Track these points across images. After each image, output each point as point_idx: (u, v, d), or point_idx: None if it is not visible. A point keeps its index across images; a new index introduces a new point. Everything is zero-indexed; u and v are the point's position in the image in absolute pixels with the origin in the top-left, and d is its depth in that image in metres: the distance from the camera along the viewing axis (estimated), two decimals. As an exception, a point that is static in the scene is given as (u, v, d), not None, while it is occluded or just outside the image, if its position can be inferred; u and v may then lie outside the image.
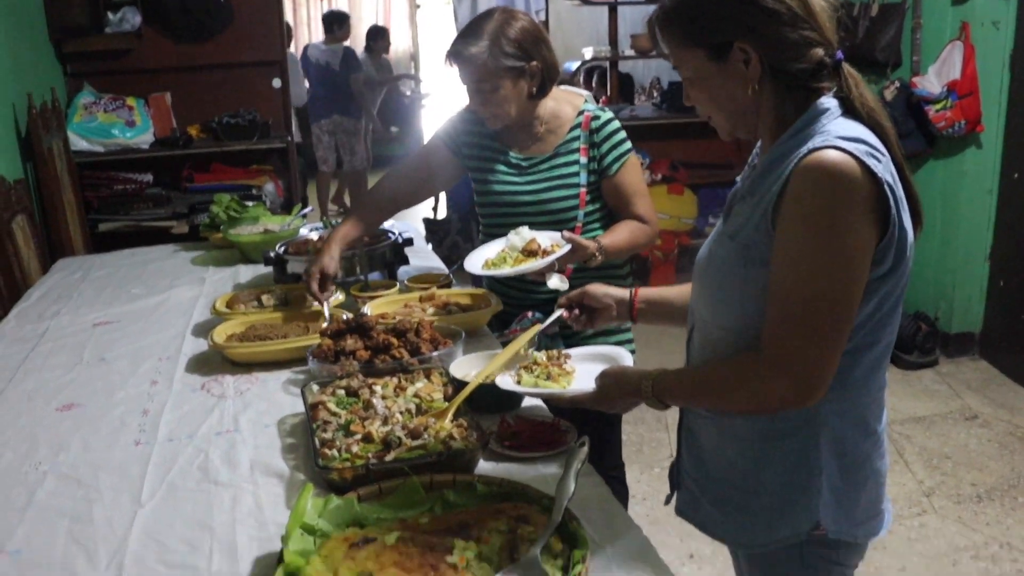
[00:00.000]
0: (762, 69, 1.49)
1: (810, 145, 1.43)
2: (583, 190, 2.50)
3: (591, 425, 2.51)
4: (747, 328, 1.52)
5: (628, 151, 2.53)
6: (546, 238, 2.36)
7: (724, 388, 1.54)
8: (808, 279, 1.41)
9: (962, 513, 3.67)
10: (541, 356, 1.93)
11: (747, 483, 1.64)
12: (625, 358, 1.91)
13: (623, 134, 2.54)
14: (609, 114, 2.56)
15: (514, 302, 2.60)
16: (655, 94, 6.91)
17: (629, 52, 6.42)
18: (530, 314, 2.45)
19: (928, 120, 4.86)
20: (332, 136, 8.82)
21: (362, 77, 8.80)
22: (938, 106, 4.81)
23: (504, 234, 2.45)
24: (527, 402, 2.04)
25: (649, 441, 4.33)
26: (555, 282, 2.33)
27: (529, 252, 2.33)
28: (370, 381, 1.99)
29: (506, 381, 1.88)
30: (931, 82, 4.89)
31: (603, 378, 1.71)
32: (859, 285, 1.43)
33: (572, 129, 2.53)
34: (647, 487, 3.87)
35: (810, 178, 1.40)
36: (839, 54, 1.52)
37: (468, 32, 2.44)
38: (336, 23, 8.82)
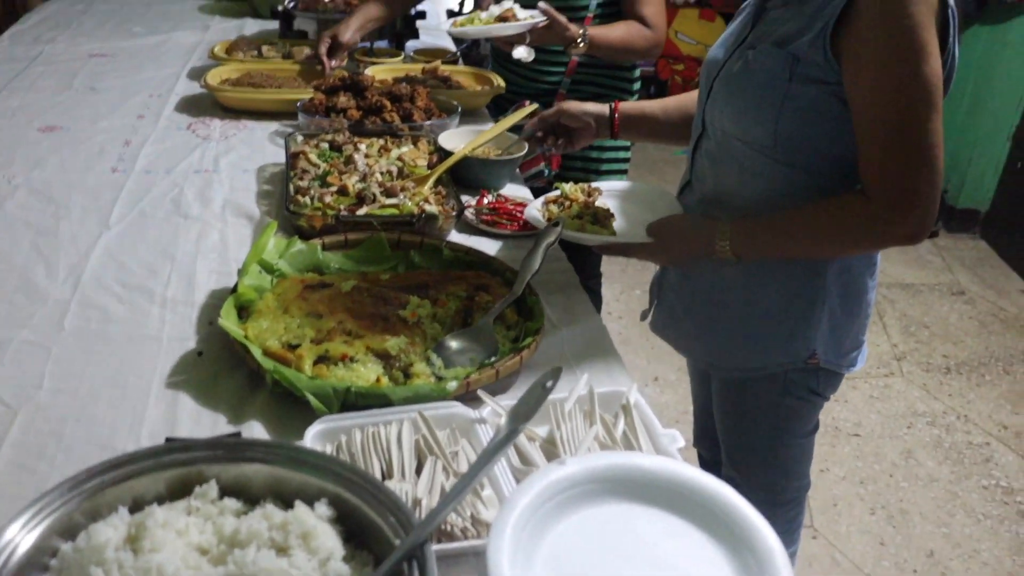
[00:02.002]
0: None
1: None
2: None
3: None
4: (778, 144, 1.43)
5: None
6: (526, 13, 2.21)
7: (833, 234, 1.42)
8: (901, 106, 1.30)
9: (928, 381, 3.70)
10: (572, 188, 1.74)
11: (743, 305, 1.58)
12: (665, 199, 1.73)
13: None
14: None
15: (516, 88, 2.51)
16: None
17: None
18: (527, 102, 2.37)
19: (983, -18, 4.64)
20: None
21: None
22: (996, -32, 4.58)
23: None
24: (509, 184, 2.00)
25: (635, 263, 4.32)
26: (520, 52, 2.21)
27: (502, 19, 2.20)
28: (356, 139, 1.94)
29: (533, 214, 1.67)
30: (994, -60, 4.64)
31: (663, 229, 1.55)
32: (941, 105, 1.32)
33: None
34: (624, 306, 3.88)
35: None
36: None
37: None
38: None
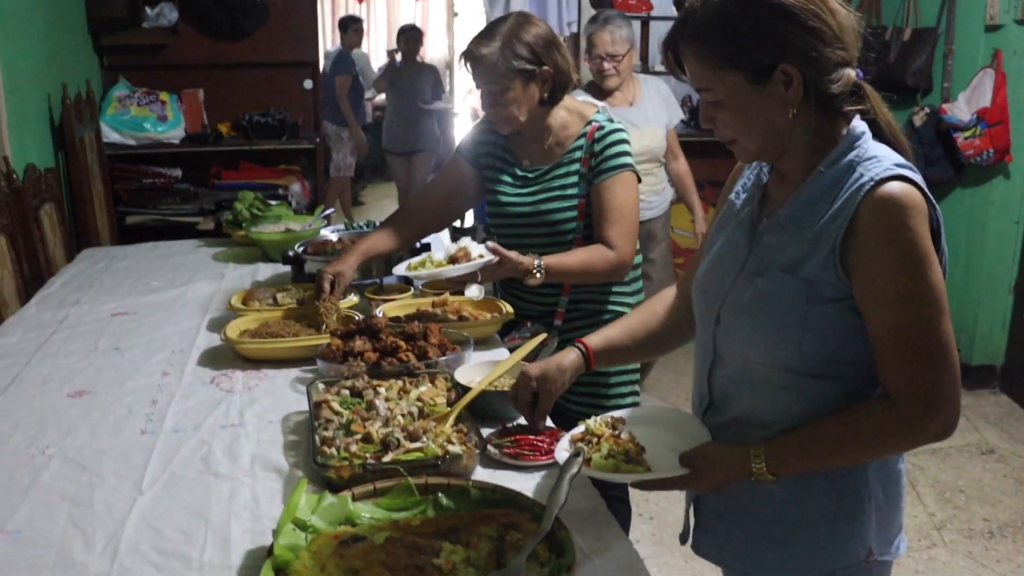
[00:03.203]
0: (804, 92, 1.45)
1: (871, 175, 1.40)
2: (581, 200, 2.46)
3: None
4: (803, 363, 1.49)
5: (622, 166, 2.44)
6: (479, 249, 2.32)
7: (867, 442, 1.46)
8: (917, 315, 1.38)
9: (972, 548, 3.63)
10: (598, 425, 1.71)
11: (789, 516, 1.58)
12: (690, 423, 1.72)
13: (624, 147, 2.46)
14: (617, 126, 2.50)
15: (517, 310, 2.60)
16: (685, 111, 6.87)
17: (659, 68, 6.40)
18: (529, 324, 2.46)
19: (956, 148, 4.82)
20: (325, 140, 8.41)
21: (346, 80, 8.39)
22: (967, 134, 4.78)
23: (508, 246, 2.48)
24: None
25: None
26: (472, 291, 2.30)
27: (453, 260, 2.31)
28: (375, 383, 2.01)
29: (562, 456, 1.62)
30: (961, 109, 4.86)
31: (698, 460, 1.56)
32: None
33: (577, 139, 2.51)
34: (655, 506, 3.85)
35: (887, 214, 1.38)
36: (859, 72, 1.50)
37: (484, 33, 2.46)
38: (342, 26, 8.82)
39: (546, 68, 2.43)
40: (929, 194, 1.41)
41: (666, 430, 1.70)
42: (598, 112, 2.54)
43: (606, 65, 4.21)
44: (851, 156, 1.46)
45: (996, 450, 4.48)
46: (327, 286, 2.51)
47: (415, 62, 8.30)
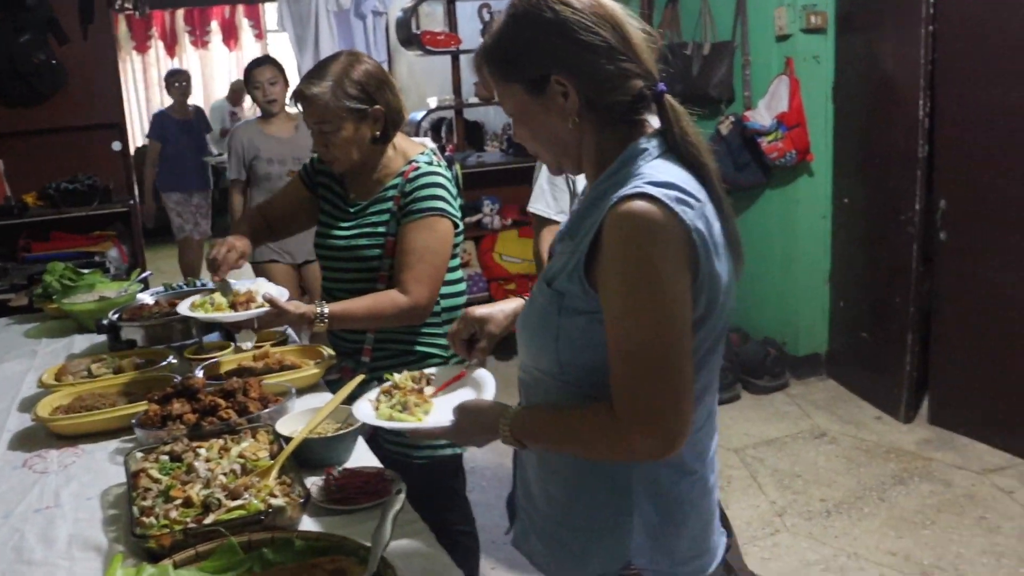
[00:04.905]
0: (580, 102, 1.49)
1: (620, 192, 1.41)
2: (390, 239, 2.46)
3: (436, 477, 2.49)
4: (563, 373, 1.52)
5: (429, 210, 2.43)
6: (265, 295, 2.31)
7: (585, 439, 1.49)
8: (639, 332, 1.39)
9: (812, 529, 3.80)
10: (402, 378, 1.84)
11: (562, 515, 1.62)
12: (488, 384, 1.82)
13: (434, 191, 2.45)
14: (434, 169, 2.48)
15: (339, 349, 2.61)
16: (504, 140, 6.97)
17: (473, 100, 6.50)
18: (345, 365, 2.47)
19: (762, 152, 5.06)
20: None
21: (154, 146, 7.49)
22: (770, 138, 5.02)
23: (327, 278, 2.46)
24: (353, 454, 2.03)
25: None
26: (244, 340, 2.29)
27: (233, 304, 2.31)
28: (195, 444, 1.95)
29: (364, 409, 1.78)
30: (762, 115, 5.11)
31: (460, 412, 1.64)
32: (688, 326, 1.42)
33: (395, 177, 2.51)
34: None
35: (621, 230, 1.39)
36: (661, 85, 1.51)
37: (314, 72, 2.45)
38: (166, 84, 8.18)
39: (378, 107, 2.43)
40: (685, 217, 1.39)
41: (474, 390, 1.83)
42: (423, 153, 2.54)
43: None
44: (624, 171, 1.48)
45: (828, 433, 4.70)
46: (223, 252, 2.45)
47: (283, 116, 5.14)
